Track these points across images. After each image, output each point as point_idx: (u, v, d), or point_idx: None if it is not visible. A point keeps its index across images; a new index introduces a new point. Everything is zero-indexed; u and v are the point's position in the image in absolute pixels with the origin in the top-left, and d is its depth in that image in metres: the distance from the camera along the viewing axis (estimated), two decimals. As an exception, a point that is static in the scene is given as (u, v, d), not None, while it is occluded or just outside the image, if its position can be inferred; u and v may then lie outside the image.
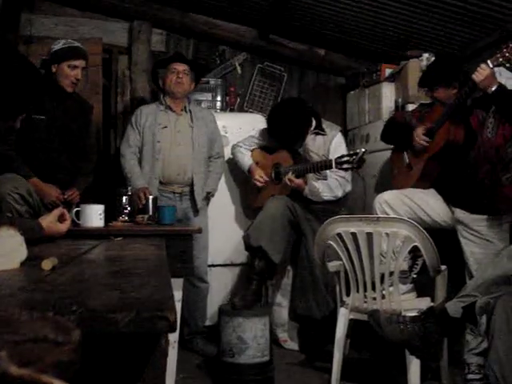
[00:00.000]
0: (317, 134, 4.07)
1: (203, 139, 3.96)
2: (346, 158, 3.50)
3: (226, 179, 4.42)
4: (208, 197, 4.04)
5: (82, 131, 3.62)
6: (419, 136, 3.49)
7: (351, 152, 3.55)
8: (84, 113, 3.65)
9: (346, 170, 3.60)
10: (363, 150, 3.48)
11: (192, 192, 3.91)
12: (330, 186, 3.90)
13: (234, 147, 4.30)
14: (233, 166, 4.35)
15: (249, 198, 4.33)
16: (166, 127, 3.91)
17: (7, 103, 1.84)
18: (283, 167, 4.03)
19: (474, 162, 3.23)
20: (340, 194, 3.94)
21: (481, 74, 3.04)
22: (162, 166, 3.86)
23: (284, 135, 3.95)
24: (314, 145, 4.05)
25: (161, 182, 3.87)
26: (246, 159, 4.22)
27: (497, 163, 3.15)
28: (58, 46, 3.45)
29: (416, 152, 3.58)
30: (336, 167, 3.56)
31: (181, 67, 3.91)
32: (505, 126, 3.16)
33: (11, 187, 2.84)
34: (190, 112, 3.99)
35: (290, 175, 3.79)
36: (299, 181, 3.81)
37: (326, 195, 3.91)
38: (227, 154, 4.30)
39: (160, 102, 4.00)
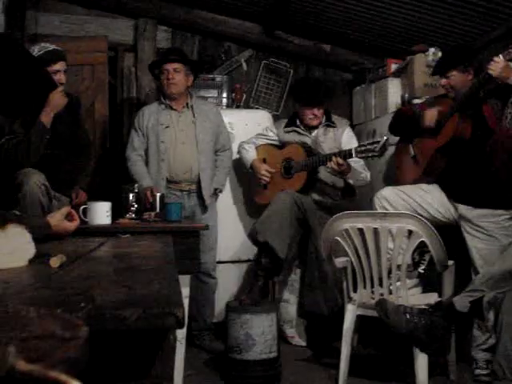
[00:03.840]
0: (328, 126, 4.09)
1: (207, 134, 3.94)
2: (367, 147, 3.47)
3: (232, 176, 4.42)
4: (216, 193, 4.03)
5: (73, 128, 3.58)
6: (431, 116, 3.45)
7: (371, 141, 3.53)
8: (71, 108, 3.58)
9: (366, 158, 3.58)
10: (385, 138, 3.46)
11: (199, 189, 3.90)
12: (361, 169, 3.92)
13: (239, 145, 4.30)
14: (240, 163, 4.35)
15: (255, 194, 4.31)
16: (168, 127, 3.90)
17: (13, 100, 1.84)
18: (295, 161, 4.00)
19: (490, 152, 3.19)
20: (369, 177, 3.97)
21: (496, 67, 3.03)
22: (167, 165, 3.86)
23: (314, 92, 4.02)
24: (326, 138, 4.07)
25: (168, 181, 3.88)
26: (249, 155, 4.21)
27: None
28: (33, 53, 3.34)
29: (422, 144, 3.56)
30: (356, 156, 3.54)
31: (171, 66, 3.84)
32: None
33: (39, 178, 2.85)
34: (192, 108, 3.97)
35: (339, 158, 3.61)
36: (346, 163, 3.65)
37: (363, 177, 3.93)
38: (234, 151, 4.30)
39: (160, 102, 3.98)
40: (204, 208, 3.94)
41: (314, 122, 4.09)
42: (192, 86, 4.13)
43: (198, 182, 3.90)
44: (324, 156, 3.78)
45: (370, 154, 3.47)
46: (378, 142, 3.43)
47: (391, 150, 4.12)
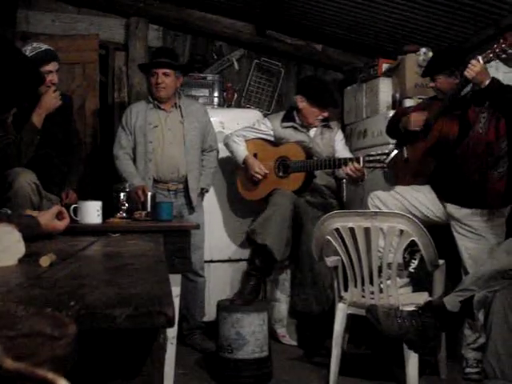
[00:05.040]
0: (324, 127, 4.09)
1: (195, 134, 3.91)
2: (376, 157, 3.47)
3: (223, 174, 4.39)
4: (202, 193, 4.00)
5: (65, 128, 3.55)
6: (415, 119, 3.49)
7: (381, 151, 3.53)
8: (63, 107, 3.55)
9: (374, 168, 3.58)
10: (395, 151, 3.47)
11: (186, 189, 3.89)
12: None
13: (227, 137, 4.21)
14: (230, 161, 4.30)
15: (243, 189, 4.23)
16: (156, 126, 3.87)
17: (3, 96, 1.83)
18: (293, 161, 3.95)
19: (461, 156, 3.23)
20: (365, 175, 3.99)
21: (472, 70, 3.05)
22: (155, 165, 3.84)
23: (332, 95, 4.09)
24: (322, 139, 4.07)
25: (155, 180, 3.86)
26: (241, 149, 4.12)
27: (487, 158, 3.16)
28: (26, 54, 3.32)
29: (414, 146, 3.58)
30: (363, 165, 3.54)
31: (160, 71, 3.81)
32: (499, 121, 3.16)
33: (30, 177, 2.84)
34: (180, 108, 3.94)
35: (356, 164, 3.56)
36: (363, 169, 3.61)
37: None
38: (223, 148, 4.22)
39: (148, 101, 3.94)
40: (191, 208, 3.92)
41: (318, 123, 4.09)
42: (181, 86, 4.11)
43: (185, 182, 3.88)
44: (336, 160, 3.75)
45: (378, 165, 3.47)
46: (388, 154, 3.43)
47: (382, 151, 4.14)
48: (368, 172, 3.76)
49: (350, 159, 3.63)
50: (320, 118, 4.05)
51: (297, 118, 4.12)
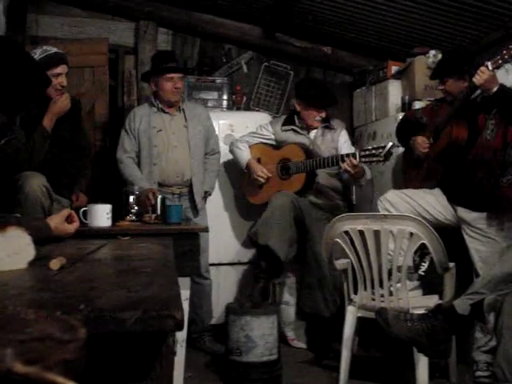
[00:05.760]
0: (325, 128, 4.09)
1: (199, 138, 3.93)
2: (372, 152, 3.46)
3: (228, 178, 4.40)
4: (206, 196, 4.02)
5: (74, 132, 3.56)
6: (420, 145, 3.50)
7: (376, 145, 3.50)
8: (72, 111, 3.57)
9: (370, 163, 3.57)
10: (391, 143, 3.44)
11: (191, 192, 3.90)
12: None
13: (232, 143, 4.25)
14: (235, 164, 4.31)
15: (249, 194, 4.26)
16: (160, 130, 3.89)
17: (8, 98, 1.84)
18: (293, 162, 3.98)
19: (471, 162, 3.22)
20: (369, 175, 3.98)
21: (481, 76, 3.04)
22: (160, 169, 3.86)
23: (327, 95, 4.05)
24: (324, 140, 4.06)
25: (159, 184, 3.86)
26: (245, 155, 4.16)
27: (495, 165, 3.14)
28: (35, 57, 3.33)
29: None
30: (360, 160, 3.53)
31: (176, 75, 3.84)
32: (507, 128, 3.14)
33: (40, 180, 2.86)
34: (184, 111, 3.96)
35: (352, 159, 3.56)
36: (359, 164, 3.62)
37: (367, 178, 3.94)
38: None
39: (152, 104, 3.95)
40: (195, 211, 3.93)
41: (318, 124, 4.09)
42: (189, 89, 4.15)
43: (189, 186, 3.90)
44: (334, 157, 3.74)
45: (374, 159, 3.46)
46: (384, 147, 3.41)
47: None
48: (364, 165, 3.75)
49: (347, 155, 3.63)
50: (318, 118, 4.06)
51: (297, 121, 4.14)
